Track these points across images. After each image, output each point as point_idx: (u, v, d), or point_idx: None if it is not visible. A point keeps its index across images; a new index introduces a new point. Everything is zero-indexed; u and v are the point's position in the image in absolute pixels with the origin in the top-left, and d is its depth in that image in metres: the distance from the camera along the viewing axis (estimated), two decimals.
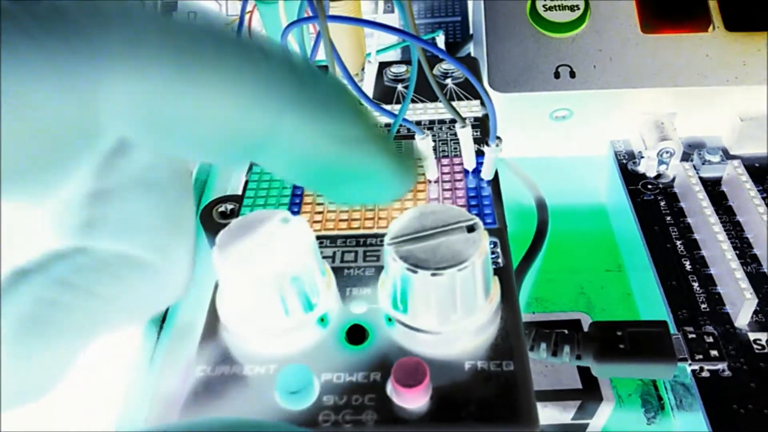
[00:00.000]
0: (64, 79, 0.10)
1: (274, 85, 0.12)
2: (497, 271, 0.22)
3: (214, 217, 0.29)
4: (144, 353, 0.25)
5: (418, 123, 0.30)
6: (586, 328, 0.27)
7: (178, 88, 0.11)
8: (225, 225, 0.19)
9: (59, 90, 0.10)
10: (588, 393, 0.28)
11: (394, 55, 0.44)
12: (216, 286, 0.21)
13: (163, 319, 0.26)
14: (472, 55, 0.42)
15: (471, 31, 0.47)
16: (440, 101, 0.30)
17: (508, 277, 0.22)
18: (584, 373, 0.28)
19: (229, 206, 0.29)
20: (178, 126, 0.11)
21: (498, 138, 0.24)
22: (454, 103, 0.30)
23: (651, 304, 0.31)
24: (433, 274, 0.17)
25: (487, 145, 0.24)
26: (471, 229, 0.18)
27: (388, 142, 0.14)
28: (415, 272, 0.18)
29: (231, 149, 0.12)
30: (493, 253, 0.23)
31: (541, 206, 0.35)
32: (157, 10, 0.12)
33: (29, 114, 0.10)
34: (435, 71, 0.32)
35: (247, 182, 0.27)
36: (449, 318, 0.19)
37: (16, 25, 0.10)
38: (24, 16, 0.10)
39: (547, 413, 0.28)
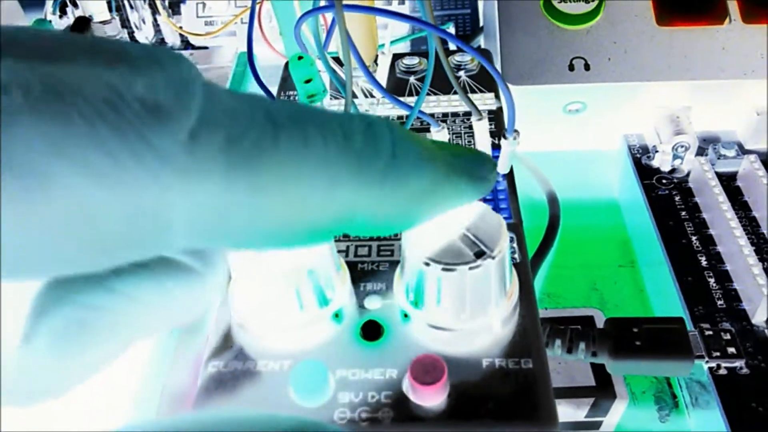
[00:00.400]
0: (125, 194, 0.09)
1: (335, 171, 0.11)
2: (515, 267, 0.22)
3: None
4: (155, 349, 0.25)
5: (432, 116, 0.29)
6: (599, 325, 0.27)
7: (236, 194, 0.10)
8: None
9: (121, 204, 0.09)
10: (601, 390, 0.27)
11: (404, 47, 0.43)
12: (228, 281, 0.21)
13: None
14: (483, 47, 0.41)
15: (481, 24, 0.47)
16: (455, 93, 0.30)
17: (525, 272, 0.21)
18: (598, 370, 0.28)
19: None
20: (240, 229, 0.11)
21: (516, 131, 0.23)
22: None
23: (665, 300, 0.31)
24: (444, 269, 0.17)
25: (504, 137, 0.24)
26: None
27: (459, 158, 0.14)
28: (428, 265, 0.17)
29: (308, 238, 0.12)
30: (510, 248, 0.22)
31: (553, 201, 0.35)
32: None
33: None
34: None
35: None
36: (467, 314, 0.18)
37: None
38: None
39: (561, 411, 0.27)
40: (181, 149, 0.09)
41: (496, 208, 0.24)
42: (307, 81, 0.22)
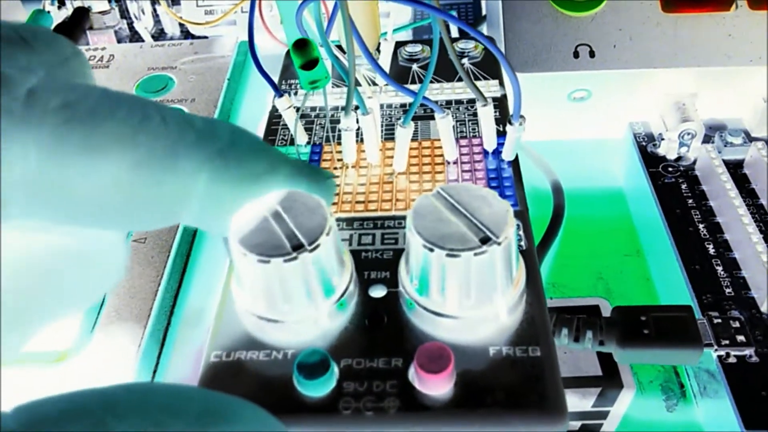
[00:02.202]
0: None
1: (174, 142, 0.13)
2: (521, 254, 0.21)
3: None
4: (152, 340, 0.25)
5: (435, 103, 0.29)
6: (605, 314, 0.27)
7: (68, 148, 0.11)
8: None
9: None
10: (608, 380, 0.27)
11: (406, 35, 0.43)
12: (228, 269, 0.21)
13: (172, 306, 0.26)
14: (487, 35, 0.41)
15: (484, 12, 0.46)
16: (459, 81, 0.30)
17: (531, 260, 0.21)
18: (604, 359, 0.27)
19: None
20: (74, 189, 0.12)
21: (522, 117, 0.23)
22: None
23: (672, 288, 0.31)
24: (449, 255, 0.17)
25: (510, 123, 0.23)
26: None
27: (296, 161, 0.17)
28: (432, 251, 0.17)
29: (153, 206, 0.13)
30: (516, 235, 0.22)
31: (557, 190, 0.34)
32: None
33: None
34: None
35: None
36: (472, 302, 0.18)
37: None
38: None
39: (567, 400, 0.27)
40: (20, 104, 0.11)
41: (502, 195, 0.24)
42: (309, 67, 0.22)
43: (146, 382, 0.12)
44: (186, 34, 0.46)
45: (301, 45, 0.22)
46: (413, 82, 0.31)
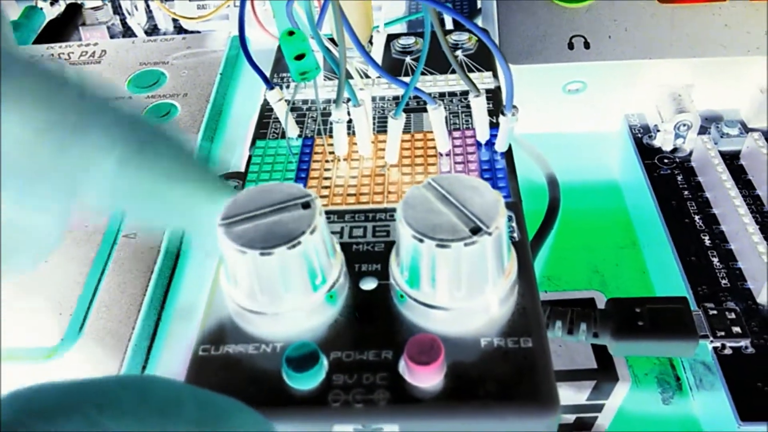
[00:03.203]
0: None
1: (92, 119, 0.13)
2: (513, 246, 0.21)
3: None
4: (142, 336, 0.25)
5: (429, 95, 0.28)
6: (600, 307, 0.27)
7: None
8: None
9: None
10: (603, 373, 0.27)
11: (400, 29, 0.43)
12: (218, 264, 0.20)
13: (163, 300, 0.26)
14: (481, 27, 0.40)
15: (479, 5, 0.46)
16: (452, 72, 0.29)
17: (524, 251, 0.21)
18: (599, 352, 0.27)
19: (232, 183, 0.28)
20: None
21: (514, 107, 0.23)
22: None
23: (668, 280, 0.30)
24: (439, 245, 0.17)
25: (503, 114, 0.23)
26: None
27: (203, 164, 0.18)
28: (422, 242, 0.17)
29: (50, 184, 0.13)
30: (508, 226, 0.22)
31: (553, 183, 0.34)
32: None
33: None
34: None
35: (250, 158, 0.26)
36: (463, 292, 0.18)
37: None
38: None
39: (562, 394, 0.27)
40: None
41: (495, 187, 0.23)
42: (299, 57, 0.22)
43: (142, 376, 0.11)
44: (179, 30, 0.46)
45: (291, 34, 0.21)
46: (406, 74, 0.30)
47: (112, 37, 0.46)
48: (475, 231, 0.17)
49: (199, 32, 0.43)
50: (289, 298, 0.18)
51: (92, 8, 0.45)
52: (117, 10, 0.47)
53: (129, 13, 0.46)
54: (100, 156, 0.13)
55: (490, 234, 0.17)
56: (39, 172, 0.13)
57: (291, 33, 0.22)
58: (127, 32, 0.47)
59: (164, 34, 0.46)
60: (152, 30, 0.47)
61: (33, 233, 0.15)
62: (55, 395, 0.10)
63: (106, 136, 0.13)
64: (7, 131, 0.12)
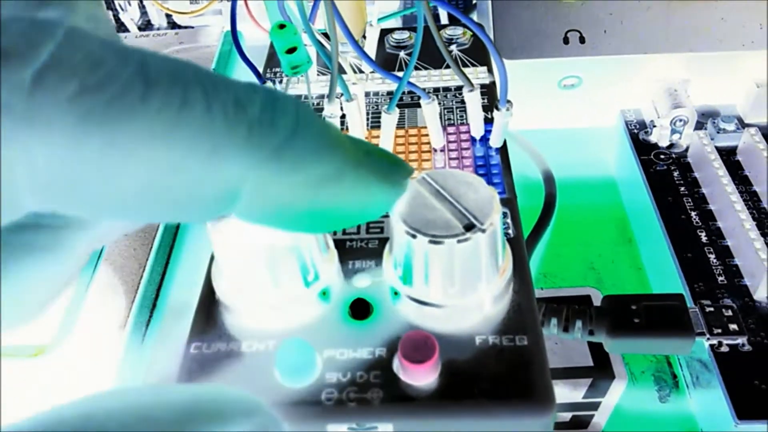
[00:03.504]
0: None
1: (219, 140, 0.10)
2: (508, 242, 0.21)
3: None
4: (136, 333, 0.24)
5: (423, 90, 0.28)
6: (596, 304, 0.26)
7: (85, 152, 0.09)
8: None
9: None
10: (599, 370, 0.27)
11: (395, 23, 0.42)
12: (211, 260, 0.20)
13: (155, 298, 0.25)
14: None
15: (474, 0, 0.46)
16: (446, 68, 0.29)
17: (519, 248, 0.21)
18: (595, 350, 0.27)
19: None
20: (92, 192, 0.10)
21: (509, 101, 0.23)
22: None
23: (664, 277, 0.30)
24: (432, 241, 0.16)
25: (497, 109, 0.23)
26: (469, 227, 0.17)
27: (368, 153, 0.13)
28: (415, 237, 0.16)
29: (183, 212, 0.11)
30: (503, 223, 0.22)
31: (549, 180, 0.34)
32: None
33: None
34: None
35: None
36: (456, 290, 0.17)
37: None
38: None
39: (558, 392, 0.27)
40: (22, 95, 0.08)
41: (489, 183, 0.23)
42: (290, 51, 0.21)
43: (125, 386, 0.11)
44: (172, 25, 0.46)
45: (281, 28, 0.21)
46: (400, 69, 0.30)
47: None
48: (469, 227, 0.17)
49: (192, 27, 0.43)
50: (280, 295, 0.18)
51: None
52: (110, 5, 0.46)
53: (122, 9, 0.45)
54: (236, 184, 0.11)
55: (483, 231, 0.16)
56: (171, 209, 0.11)
57: (282, 26, 0.21)
58: (121, 28, 0.46)
59: (158, 29, 0.46)
60: (146, 25, 0.47)
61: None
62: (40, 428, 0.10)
63: (240, 162, 0.10)
64: (128, 178, 0.10)
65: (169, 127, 0.09)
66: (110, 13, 0.46)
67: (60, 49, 0.09)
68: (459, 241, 0.16)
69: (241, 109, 0.10)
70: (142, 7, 0.47)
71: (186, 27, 0.43)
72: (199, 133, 0.10)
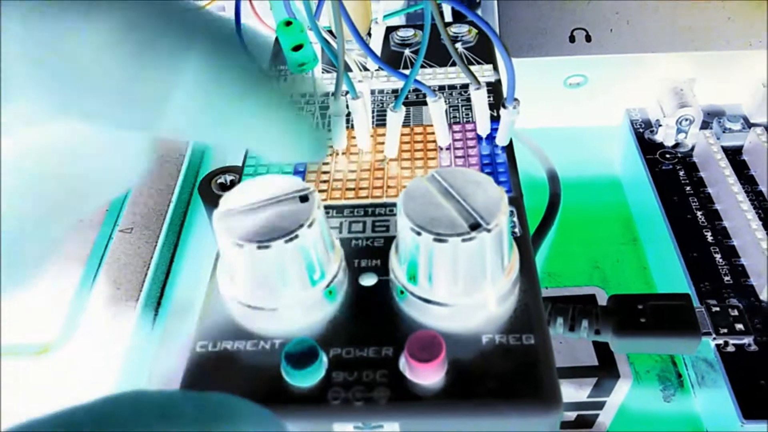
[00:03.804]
0: None
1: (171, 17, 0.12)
2: (515, 241, 0.21)
3: (213, 189, 0.28)
4: (141, 331, 0.24)
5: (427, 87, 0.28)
6: (601, 303, 0.26)
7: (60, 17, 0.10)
8: None
9: None
10: (604, 370, 0.26)
11: (398, 21, 0.42)
12: (216, 259, 0.20)
13: (160, 296, 0.25)
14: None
15: None
16: (452, 65, 0.29)
17: (526, 247, 0.20)
18: (600, 349, 0.27)
19: (229, 177, 0.28)
20: (69, 70, 0.11)
21: (516, 100, 0.22)
22: None
23: (669, 277, 0.30)
24: (436, 239, 0.16)
25: (504, 107, 0.23)
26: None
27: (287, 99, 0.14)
28: (419, 234, 0.16)
29: (137, 97, 0.12)
30: (510, 222, 0.21)
31: (553, 178, 0.34)
32: None
33: None
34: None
35: (247, 151, 0.26)
36: (460, 289, 0.17)
37: None
38: None
39: (563, 391, 0.26)
40: None
41: (496, 181, 0.23)
42: (297, 48, 0.21)
43: (134, 391, 0.11)
44: None
45: (287, 25, 0.21)
46: (405, 67, 0.30)
47: None
48: (475, 227, 0.16)
49: None
50: (287, 294, 0.18)
51: None
52: None
53: None
54: (180, 58, 0.12)
55: (489, 231, 0.16)
56: (124, 78, 0.12)
57: (288, 23, 0.21)
58: None
59: None
60: None
61: (124, 153, 0.14)
62: (49, 427, 0.10)
63: (188, 33, 0.12)
64: (92, 33, 0.11)
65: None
66: None
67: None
68: (464, 240, 0.16)
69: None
70: None
71: None
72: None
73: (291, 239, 0.16)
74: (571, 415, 0.27)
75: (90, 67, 0.11)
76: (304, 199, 0.17)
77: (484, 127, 0.25)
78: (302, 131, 0.15)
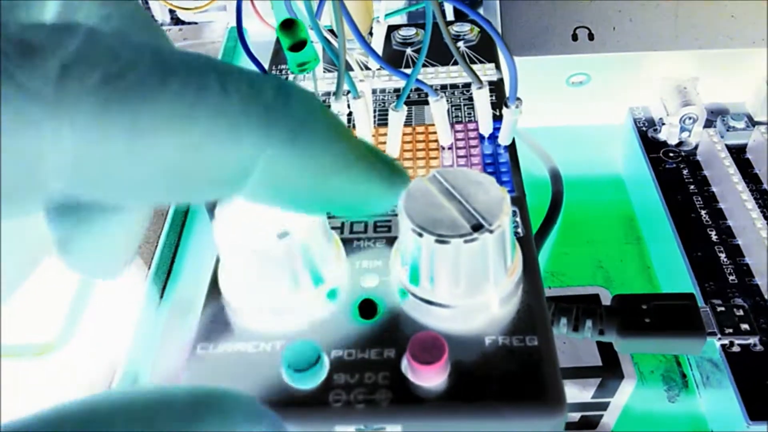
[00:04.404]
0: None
1: (237, 120, 0.10)
2: (518, 241, 0.20)
3: None
4: (142, 332, 0.24)
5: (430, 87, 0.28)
6: (605, 303, 0.26)
7: (111, 133, 0.10)
8: None
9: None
10: (609, 370, 0.26)
11: (400, 20, 0.42)
12: (217, 260, 0.20)
13: (161, 296, 0.25)
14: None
15: None
16: (454, 64, 0.29)
17: (529, 247, 0.20)
18: (604, 349, 0.27)
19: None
20: (119, 175, 0.10)
21: (518, 99, 0.22)
22: None
23: (673, 276, 0.30)
24: (438, 241, 0.16)
25: (506, 106, 0.23)
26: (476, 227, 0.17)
27: (372, 152, 0.13)
28: (421, 236, 0.16)
29: (204, 190, 0.11)
30: (513, 222, 0.21)
31: (556, 177, 0.34)
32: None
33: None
34: None
35: None
36: (462, 290, 0.17)
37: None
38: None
39: (567, 392, 0.26)
40: (51, 85, 0.09)
41: (499, 181, 0.23)
42: (298, 48, 0.21)
43: (127, 387, 0.11)
44: (176, 21, 0.45)
45: (289, 25, 0.21)
46: (407, 66, 0.30)
47: None
48: (477, 228, 0.16)
49: (196, 23, 0.42)
50: (287, 295, 0.17)
51: None
52: None
53: None
54: (251, 163, 0.11)
55: (491, 232, 0.16)
56: (190, 188, 0.11)
57: (290, 22, 0.21)
58: None
59: (161, 25, 0.46)
60: None
61: None
62: (43, 425, 0.10)
63: (256, 142, 0.11)
64: (150, 158, 0.10)
65: (188, 109, 0.10)
66: None
67: (83, 44, 0.10)
68: (466, 241, 0.16)
69: (256, 93, 0.11)
70: (145, 3, 0.46)
71: (190, 23, 0.43)
72: (217, 113, 0.10)
73: (294, 242, 0.16)
74: (575, 416, 0.27)
75: (140, 182, 0.11)
76: None
77: (486, 127, 0.24)
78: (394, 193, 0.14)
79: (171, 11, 0.45)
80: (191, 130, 0.10)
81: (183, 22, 0.45)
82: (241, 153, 0.11)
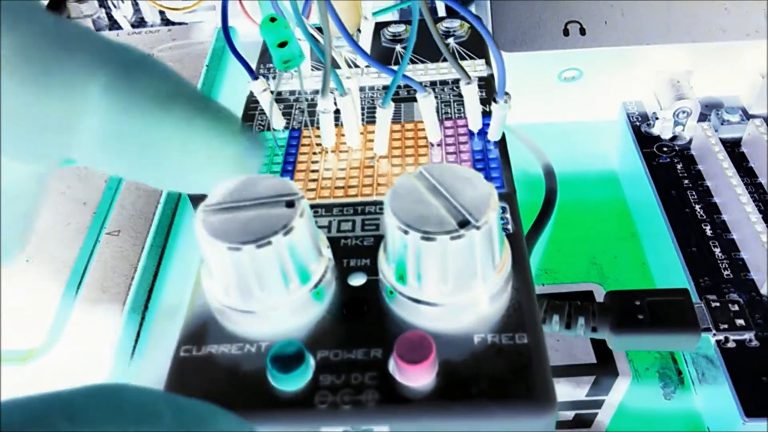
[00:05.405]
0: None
1: (72, 38, 0.12)
2: (507, 238, 0.20)
3: None
4: (127, 336, 0.24)
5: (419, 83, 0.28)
6: (598, 300, 0.26)
7: None
8: None
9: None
10: (603, 368, 0.26)
11: (391, 17, 0.42)
12: (201, 261, 0.20)
13: (147, 299, 0.25)
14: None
15: None
16: (443, 61, 0.28)
17: (519, 244, 0.20)
18: (599, 346, 0.26)
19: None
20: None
21: (507, 94, 0.22)
22: None
23: (668, 272, 0.30)
24: (424, 238, 0.16)
25: (495, 101, 0.22)
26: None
27: (214, 103, 0.14)
28: (407, 233, 0.16)
29: (38, 130, 0.12)
30: (502, 218, 0.21)
31: (549, 174, 0.33)
32: None
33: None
34: None
35: None
36: (450, 288, 0.17)
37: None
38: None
39: (560, 390, 0.26)
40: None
41: (488, 177, 0.23)
42: (282, 44, 0.21)
43: (111, 385, 0.10)
44: (166, 22, 0.45)
45: (271, 22, 0.21)
46: (396, 63, 0.29)
47: (97, 30, 0.45)
48: (463, 224, 0.16)
49: (185, 24, 0.42)
50: (270, 296, 0.17)
51: (77, 1, 0.44)
52: (102, 2, 0.46)
53: (115, 6, 0.45)
54: (85, 79, 0.11)
55: (478, 228, 0.16)
56: (20, 104, 0.11)
57: (272, 20, 0.21)
58: (114, 25, 0.46)
59: (151, 26, 0.45)
60: (139, 23, 0.46)
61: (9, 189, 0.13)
62: (21, 411, 0.09)
63: (92, 57, 0.12)
64: None
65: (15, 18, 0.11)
66: (103, 10, 0.46)
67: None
68: (452, 238, 0.16)
69: (110, 46, 0.12)
70: (135, 4, 0.46)
71: (179, 23, 0.43)
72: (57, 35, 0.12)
73: (263, 245, 0.16)
74: (569, 415, 0.27)
75: None
76: (290, 204, 0.17)
77: (475, 123, 0.24)
78: (227, 142, 0.14)
79: (161, 12, 0.45)
80: (23, 28, 0.11)
81: (172, 23, 0.44)
82: (74, 72, 0.11)
